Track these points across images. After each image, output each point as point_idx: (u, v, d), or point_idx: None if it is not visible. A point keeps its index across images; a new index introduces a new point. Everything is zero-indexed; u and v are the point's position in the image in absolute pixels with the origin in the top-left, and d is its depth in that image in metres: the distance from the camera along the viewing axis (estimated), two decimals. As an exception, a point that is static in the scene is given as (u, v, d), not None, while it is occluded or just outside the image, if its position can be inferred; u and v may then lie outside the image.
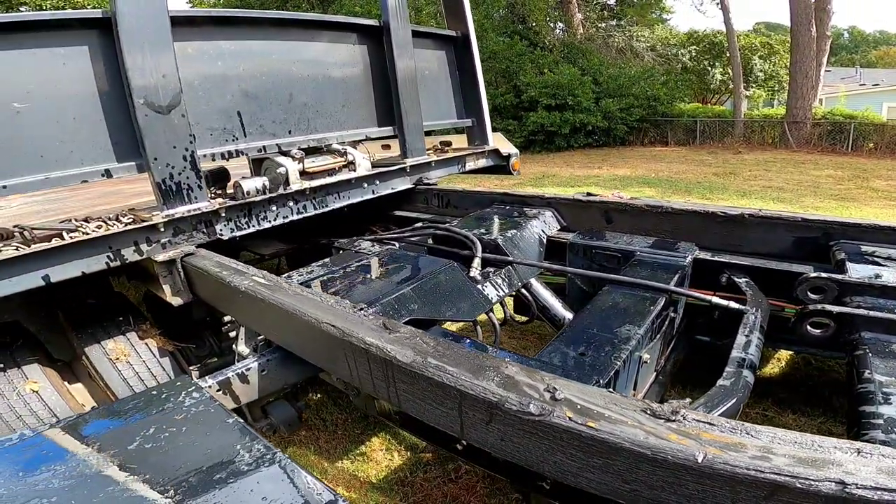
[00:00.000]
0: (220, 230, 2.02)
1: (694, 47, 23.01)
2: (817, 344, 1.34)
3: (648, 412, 0.76)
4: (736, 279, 1.65)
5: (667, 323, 1.56)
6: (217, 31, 2.21)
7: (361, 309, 1.16)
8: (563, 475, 0.82)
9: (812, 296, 1.34)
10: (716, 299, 1.49)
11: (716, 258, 1.75)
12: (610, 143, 16.41)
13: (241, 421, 0.98)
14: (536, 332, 3.10)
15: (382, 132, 2.91)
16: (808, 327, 1.28)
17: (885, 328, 1.14)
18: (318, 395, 2.69)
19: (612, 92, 16.30)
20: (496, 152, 3.54)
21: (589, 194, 2.73)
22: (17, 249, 1.54)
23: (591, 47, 19.14)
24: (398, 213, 2.93)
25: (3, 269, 1.48)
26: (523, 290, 1.94)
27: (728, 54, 19.02)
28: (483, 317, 1.75)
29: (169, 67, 1.83)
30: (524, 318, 2.09)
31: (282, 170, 2.29)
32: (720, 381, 1.14)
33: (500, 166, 3.58)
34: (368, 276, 1.71)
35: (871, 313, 1.18)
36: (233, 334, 1.79)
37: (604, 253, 1.91)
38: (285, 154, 2.39)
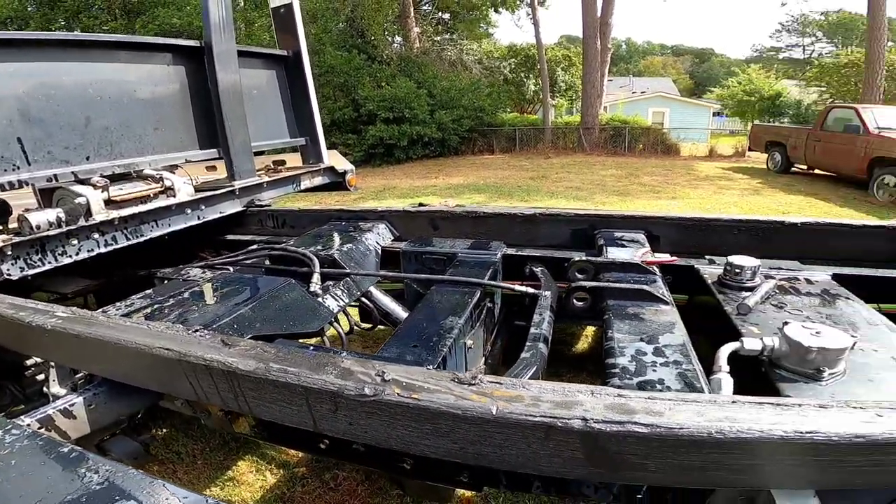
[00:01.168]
0: (7, 270, 1.75)
1: (513, 60, 25.83)
2: (583, 315, 1.73)
3: (455, 380, 0.96)
4: (534, 268, 2.02)
5: (485, 312, 1.85)
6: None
7: (197, 331, 1.17)
8: (408, 445, 0.97)
9: (578, 276, 1.74)
10: (517, 287, 1.82)
11: (519, 252, 2.12)
12: (445, 154, 17.56)
13: (79, 448, 0.93)
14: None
15: (205, 154, 2.78)
16: (574, 301, 1.67)
17: (623, 296, 1.57)
18: (165, 430, 2.47)
19: (445, 104, 17.40)
20: (332, 169, 3.63)
21: (421, 205, 3.00)
22: None
23: (426, 60, 20.12)
24: (230, 237, 2.83)
25: None
26: (364, 299, 2.08)
27: (538, 66, 21.56)
28: (332, 330, 1.84)
29: None
30: (368, 325, 2.23)
31: (80, 200, 2.06)
32: (522, 355, 1.42)
33: (337, 183, 3.68)
34: (202, 302, 1.67)
35: (612, 284, 1.60)
36: (41, 377, 1.57)
37: (432, 257, 2.16)
38: (83, 182, 2.15)
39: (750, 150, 14.91)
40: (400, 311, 2.15)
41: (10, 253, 1.77)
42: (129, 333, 1.17)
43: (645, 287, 1.55)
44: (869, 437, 0.74)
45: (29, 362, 1.82)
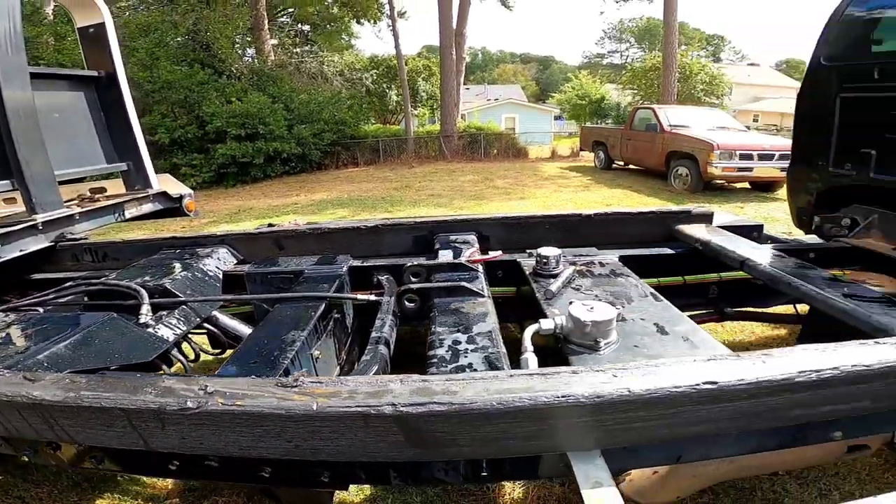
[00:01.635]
0: None
1: (375, 71, 25.94)
2: (414, 316, 1.88)
3: (279, 385, 1.02)
4: (380, 277, 2.13)
5: (333, 323, 1.90)
6: None
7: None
8: (247, 450, 1.00)
9: (413, 279, 1.89)
10: (360, 296, 1.91)
11: (364, 263, 2.21)
12: (307, 169, 17.03)
13: None
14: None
15: (-4, 187, 2.39)
16: (406, 303, 1.82)
17: (446, 293, 1.76)
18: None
19: (304, 118, 16.87)
20: (164, 195, 3.34)
21: (270, 225, 2.94)
22: None
23: (282, 74, 19.24)
24: (38, 276, 2.46)
25: None
26: (209, 325, 1.99)
27: (399, 76, 21.92)
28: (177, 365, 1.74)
29: None
30: (218, 350, 2.13)
31: None
32: (363, 357, 1.51)
33: (173, 209, 3.40)
34: (6, 346, 1.47)
35: (436, 284, 1.78)
36: None
37: (278, 276, 2.15)
38: None
39: (581, 150, 17.10)
40: (248, 332, 2.10)
41: None
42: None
43: (464, 284, 1.75)
44: (606, 396, 0.94)
45: None
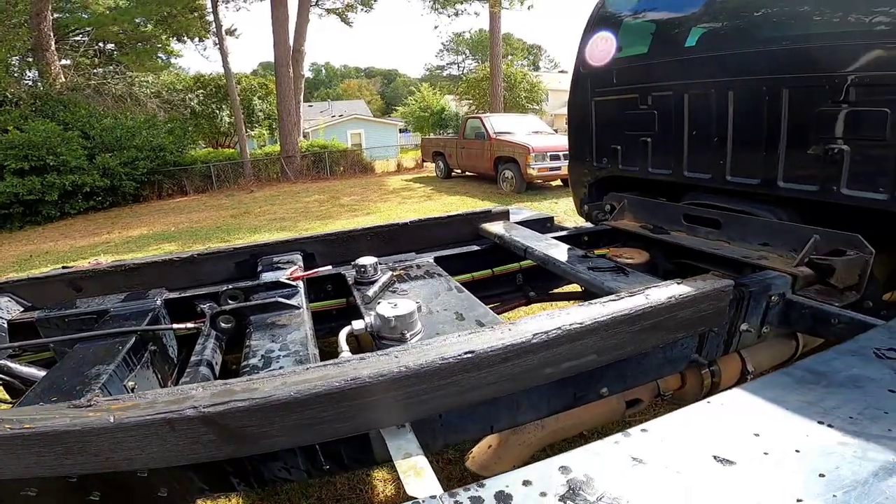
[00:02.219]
0: None
1: (201, 91, 23.55)
2: (235, 338, 1.89)
3: (71, 406, 1.00)
4: (202, 306, 2.06)
5: (150, 355, 1.80)
6: None
7: None
8: (53, 469, 0.98)
9: (230, 301, 1.90)
10: (176, 325, 1.85)
11: (183, 294, 2.12)
12: (119, 203, 14.85)
13: None
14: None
15: None
16: (221, 324, 1.83)
17: (262, 310, 1.81)
18: None
19: (109, 146, 14.66)
20: None
21: (65, 267, 2.60)
22: None
23: (76, 98, 16.36)
24: None
25: None
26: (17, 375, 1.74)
27: (229, 96, 20.34)
28: None
29: None
30: (17, 400, 1.86)
31: None
32: (183, 378, 1.49)
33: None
34: None
35: (251, 303, 1.83)
36: None
37: (77, 318, 1.95)
38: None
39: (423, 161, 17.97)
40: None
41: None
42: None
43: (279, 299, 1.83)
44: (388, 374, 1.09)
45: None
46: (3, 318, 1.95)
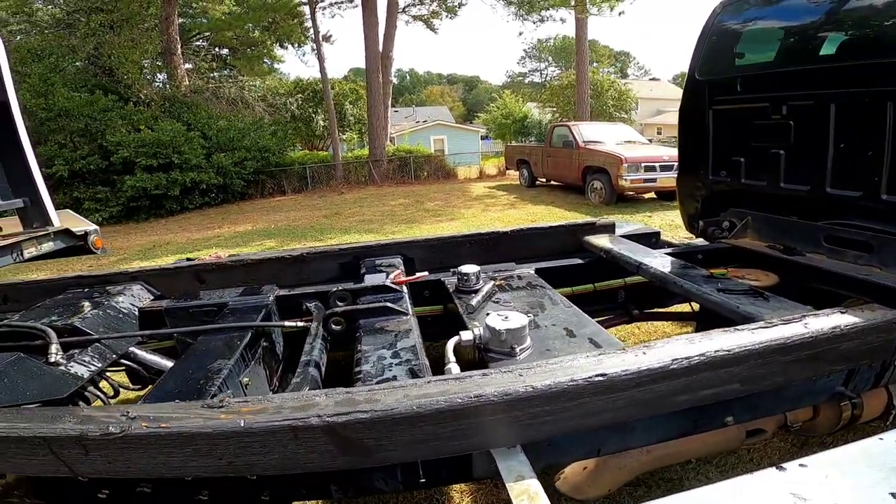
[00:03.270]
0: None
1: (300, 96, 25.38)
2: (343, 339, 1.92)
3: (205, 406, 1.04)
4: (308, 304, 2.14)
5: (262, 352, 1.89)
6: None
7: None
8: (178, 470, 1.01)
9: (339, 304, 1.94)
10: (287, 323, 1.92)
11: (292, 292, 2.21)
12: (230, 200, 16.31)
13: None
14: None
15: None
16: (332, 326, 1.86)
17: (371, 314, 1.82)
18: None
19: (224, 146, 16.15)
20: (66, 232, 3.13)
21: (189, 259, 2.84)
22: None
23: (197, 100, 18.30)
24: None
25: None
26: (127, 361, 1.91)
27: (325, 101, 21.58)
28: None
29: None
30: (139, 386, 2.04)
31: None
32: (293, 380, 1.53)
33: (77, 247, 3.18)
34: None
35: (362, 306, 1.85)
36: None
37: (201, 310, 2.10)
38: None
39: (506, 168, 17.82)
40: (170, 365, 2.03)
41: None
42: None
43: (388, 304, 1.83)
44: (513, 394, 1.04)
45: None
46: (135, 306, 2.16)
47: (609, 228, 2.79)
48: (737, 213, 2.88)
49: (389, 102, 21.22)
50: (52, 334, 1.74)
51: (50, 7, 19.32)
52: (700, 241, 3.14)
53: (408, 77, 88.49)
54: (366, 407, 1.00)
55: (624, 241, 2.62)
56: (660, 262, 2.24)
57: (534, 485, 1.04)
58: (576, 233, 2.71)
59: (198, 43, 23.26)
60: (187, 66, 20.79)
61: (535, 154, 14.01)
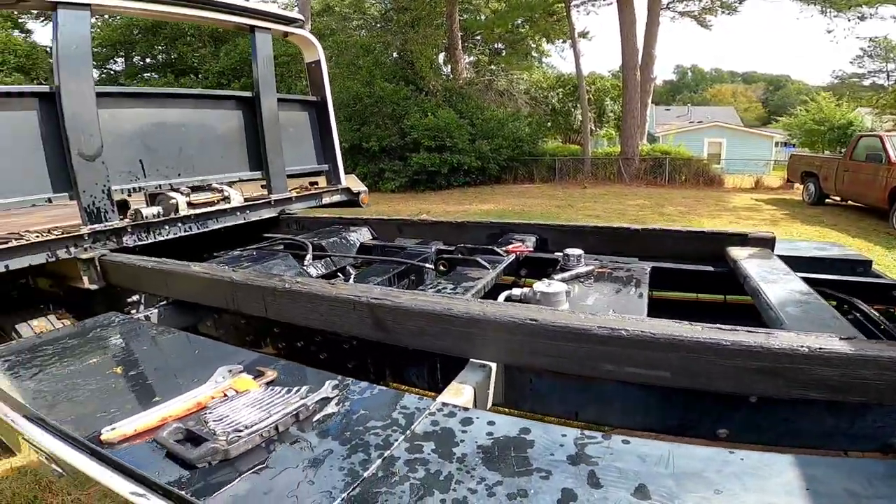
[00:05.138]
0: (126, 240, 2.90)
1: (561, 90, 26.61)
2: (446, 273, 2.61)
3: (329, 284, 1.90)
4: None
5: (407, 282, 2.74)
6: (126, 101, 3.14)
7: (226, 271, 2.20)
8: (307, 320, 1.82)
9: (455, 254, 2.64)
10: (426, 265, 2.72)
11: (449, 247, 3.01)
12: (485, 182, 18.61)
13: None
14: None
15: (253, 175, 3.94)
16: (440, 267, 2.57)
17: (464, 263, 2.46)
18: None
19: (486, 133, 18.56)
20: (348, 190, 4.70)
21: (419, 216, 4.00)
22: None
23: (470, 91, 21.37)
24: (267, 234, 3.94)
25: None
26: (340, 273, 3.07)
27: (579, 95, 22.14)
28: None
29: (94, 128, 2.73)
30: None
31: (173, 201, 3.22)
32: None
33: (353, 201, 4.73)
34: (235, 264, 2.73)
35: (461, 256, 2.50)
36: (133, 312, 2.66)
37: (391, 249, 3.13)
38: (175, 190, 3.32)
39: (788, 181, 14.77)
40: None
41: (129, 230, 2.92)
42: (207, 270, 2.21)
43: (478, 259, 2.44)
44: (474, 314, 1.56)
45: (128, 300, 2.95)
46: (358, 240, 3.33)
47: (766, 243, 2.60)
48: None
49: (649, 100, 20.04)
50: (310, 247, 2.99)
51: (377, 4, 24.61)
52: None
53: (690, 74, 78.89)
54: (392, 299, 1.63)
55: (771, 261, 2.46)
56: (787, 289, 1.95)
57: (467, 390, 1.34)
58: (719, 241, 2.65)
59: (477, 38, 26.27)
60: (468, 58, 23.86)
61: (828, 166, 11.32)
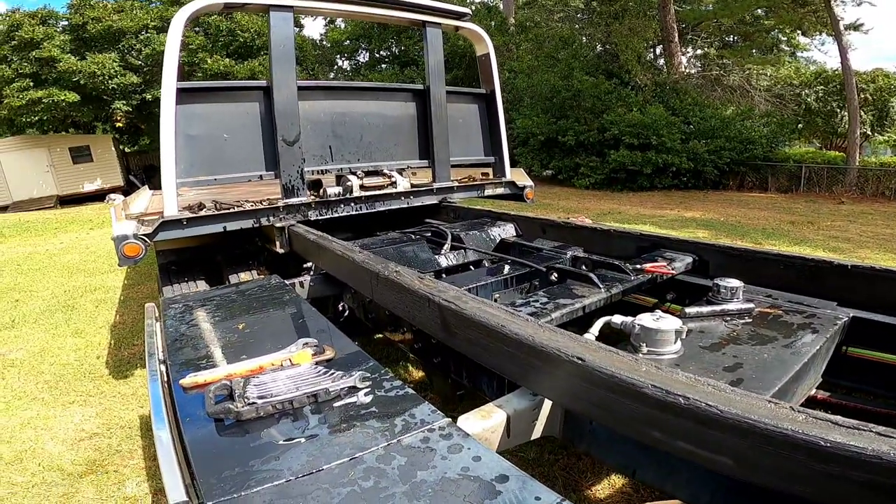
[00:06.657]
0: (310, 215, 3.46)
1: (821, 87, 21.53)
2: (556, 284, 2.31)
3: (419, 279, 1.91)
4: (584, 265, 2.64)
5: (528, 284, 2.57)
6: (319, 94, 3.71)
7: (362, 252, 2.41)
8: (394, 307, 1.92)
9: (571, 266, 2.34)
10: (543, 268, 2.50)
11: (585, 255, 2.73)
12: (699, 186, 16.22)
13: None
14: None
15: (420, 164, 4.23)
16: (552, 277, 2.30)
17: (573, 276, 2.14)
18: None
19: (704, 133, 16.14)
20: (512, 183, 4.66)
21: (570, 217, 3.79)
22: (213, 210, 3.09)
23: (687, 87, 18.93)
24: (428, 220, 4.21)
25: (205, 220, 3.01)
26: (472, 266, 3.08)
27: (846, 95, 17.63)
28: None
29: (296, 118, 3.31)
30: None
31: (349, 183, 3.70)
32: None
33: (517, 195, 4.68)
34: (378, 246, 2.99)
35: (573, 269, 2.16)
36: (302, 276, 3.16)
37: (527, 248, 3.00)
38: (353, 173, 3.80)
39: None
40: None
41: (313, 206, 3.47)
42: (344, 249, 2.49)
43: (590, 274, 2.13)
44: (530, 340, 1.32)
45: (305, 265, 3.52)
46: (500, 236, 3.28)
47: None
48: None
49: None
50: (449, 237, 3.07)
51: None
52: None
53: None
54: (458, 304, 1.55)
55: None
56: None
57: (498, 415, 1.24)
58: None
59: (701, 30, 22.75)
60: (696, 52, 20.95)
61: None
